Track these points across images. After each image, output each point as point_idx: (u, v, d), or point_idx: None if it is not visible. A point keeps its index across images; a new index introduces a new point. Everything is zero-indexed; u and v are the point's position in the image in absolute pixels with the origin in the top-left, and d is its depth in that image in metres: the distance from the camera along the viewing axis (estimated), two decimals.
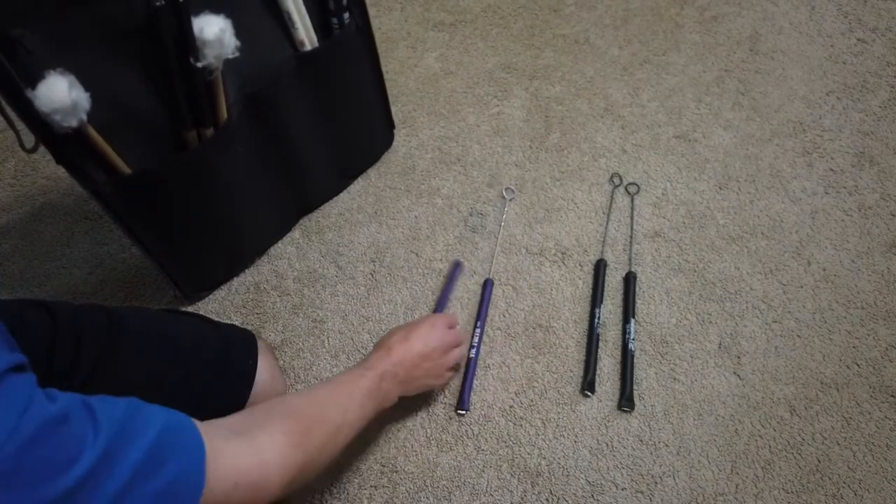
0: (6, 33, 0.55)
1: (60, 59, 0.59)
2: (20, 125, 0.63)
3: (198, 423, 0.44)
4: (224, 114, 0.73)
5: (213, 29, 0.64)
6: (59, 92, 0.57)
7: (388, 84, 0.98)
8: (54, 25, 0.58)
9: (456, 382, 0.83)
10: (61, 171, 0.68)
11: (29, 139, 0.64)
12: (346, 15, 0.81)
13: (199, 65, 0.65)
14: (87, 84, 0.61)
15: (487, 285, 0.89)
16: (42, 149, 0.65)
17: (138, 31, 0.63)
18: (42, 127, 0.61)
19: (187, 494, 0.40)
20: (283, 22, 0.76)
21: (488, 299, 0.88)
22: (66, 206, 1.06)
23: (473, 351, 0.83)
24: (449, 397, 0.82)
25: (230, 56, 0.68)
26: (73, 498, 0.34)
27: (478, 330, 0.85)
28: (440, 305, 0.88)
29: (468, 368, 0.82)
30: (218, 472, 0.42)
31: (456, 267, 0.90)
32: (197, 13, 0.64)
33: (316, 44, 0.81)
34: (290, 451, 0.50)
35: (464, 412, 0.80)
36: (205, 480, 0.41)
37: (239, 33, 0.68)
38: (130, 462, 0.37)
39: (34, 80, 0.57)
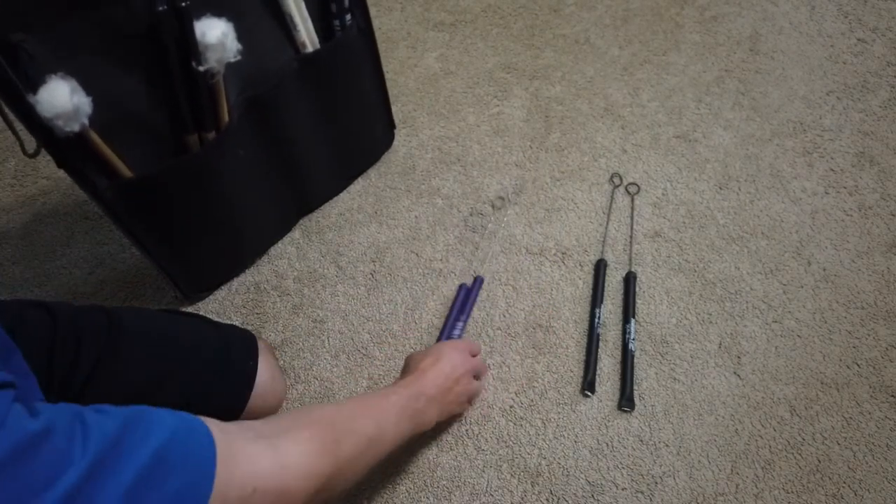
0: (7, 38, 0.55)
1: (62, 64, 0.59)
2: (20, 128, 0.63)
3: (220, 424, 0.42)
4: (225, 117, 0.73)
5: (215, 33, 0.64)
6: (61, 97, 0.57)
7: (388, 84, 0.98)
8: (55, 30, 0.58)
9: None
10: (62, 172, 0.69)
11: (30, 143, 0.64)
12: (348, 17, 0.81)
13: (201, 69, 0.65)
14: (88, 88, 0.61)
15: (476, 282, 0.89)
16: (42, 149, 0.65)
17: (140, 35, 0.63)
18: (44, 132, 0.61)
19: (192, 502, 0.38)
20: (284, 24, 0.76)
21: (475, 296, 0.88)
22: (67, 207, 1.06)
23: None
24: None
25: (232, 60, 0.68)
26: None
27: (459, 324, 0.85)
28: (447, 329, 0.86)
29: None
30: (234, 476, 0.40)
31: (461, 289, 0.89)
32: (199, 17, 0.64)
33: (318, 46, 0.81)
34: (317, 460, 0.47)
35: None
36: (212, 489, 0.39)
37: (240, 36, 0.68)
38: (125, 476, 0.35)
39: (35, 84, 0.57)
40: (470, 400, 0.75)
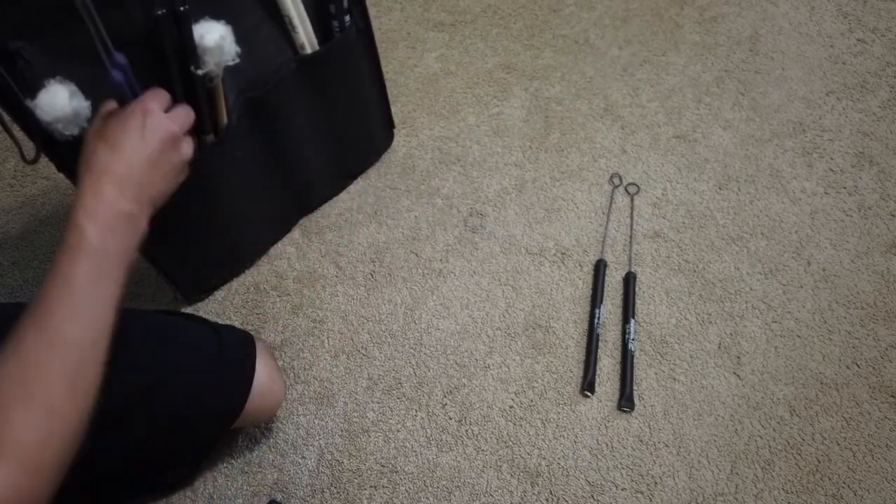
0: (5, 45, 0.55)
1: (60, 70, 0.59)
2: (21, 136, 0.63)
3: None
4: (224, 120, 0.73)
5: (213, 36, 0.64)
6: (61, 100, 0.58)
7: (387, 84, 0.98)
8: (54, 37, 0.58)
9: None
10: (62, 173, 0.69)
11: (29, 150, 0.64)
12: (347, 17, 0.81)
13: (200, 72, 0.65)
14: (87, 94, 0.61)
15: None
16: (41, 154, 0.65)
17: (138, 41, 0.63)
18: (43, 136, 0.61)
19: None
20: (283, 26, 0.76)
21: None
22: (66, 207, 1.06)
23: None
24: (448, 396, 0.82)
25: (231, 63, 0.67)
26: None
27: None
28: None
29: None
30: None
31: None
32: (197, 20, 0.64)
33: (317, 47, 0.81)
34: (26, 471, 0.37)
35: None
36: None
37: (239, 38, 0.68)
38: None
39: (34, 90, 0.57)
40: (183, 165, 0.56)
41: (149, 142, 0.51)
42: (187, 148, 0.57)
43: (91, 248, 0.44)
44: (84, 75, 0.61)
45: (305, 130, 0.88)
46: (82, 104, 0.60)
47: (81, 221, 0.45)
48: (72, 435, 0.39)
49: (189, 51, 0.64)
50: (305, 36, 0.78)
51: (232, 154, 0.78)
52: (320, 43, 0.81)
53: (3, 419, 0.37)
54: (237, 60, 0.68)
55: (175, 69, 0.65)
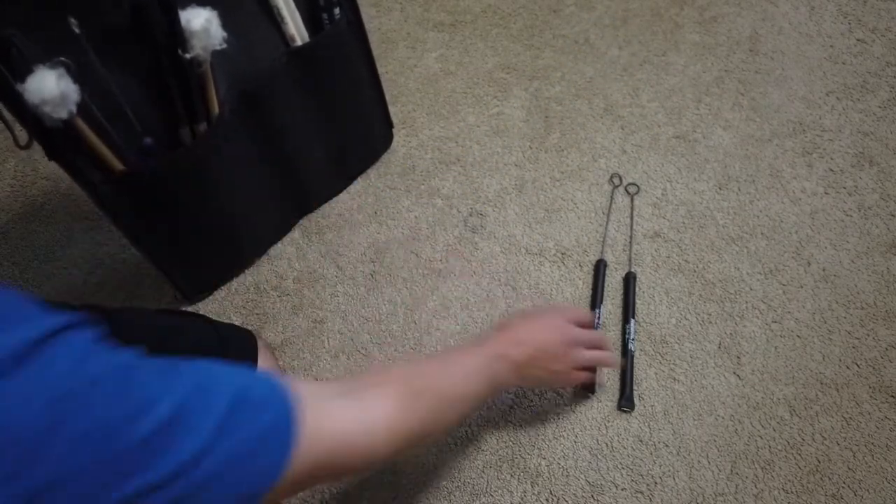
0: None
1: (51, 58, 0.60)
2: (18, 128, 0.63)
3: (297, 382, 0.41)
4: (215, 108, 0.74)
5: (199, 20, 0.65)
6: (48, 83, 0.58)
7: (387, 84, 0.98)
8: (45, 24, 0.59)
9: None
10: (61, 172, 0.69)
11: (23, 137, 0.64)
12: (337, 10, 0.81)
13: (188, 56, 0.66)
14: (78, 82, 0.61)
15: None
16: (35, 144, 0.65)
17: (128, 29, 0.64)
18: (33, 120, 0.61)
19: (276, 449, 0.37)
20: (273, 18, 0.77)
21: None
22: (66, 207, 1.06)
23: None
24: None
25: (218, 47, 0.68)
26: (147, 450, 0.31)
27: None
28: None
29: None
30: (321, 432, 0.39)
31: None
32: (183, 6, 0.65)
33: (307, 39, 0.80)
34: (401, 416, 0.46)
35: None
36: (294, 436, 0.37)
37: (229, 29, 0.68)
38: (216, 411, 0.34)
39: (24, 74, 0.58)
40: (578, 370, 0.71)
41: (549, 334, 0.68)
42: (578, 375, 0.71)
43: (471, 358, 0.60)
44: (77, 62, 0.62)
45: (301, 128, 0.88)
46: (70, 87, 0.61)
47: (476, 346, 0.62)
48: (419, 438, 0.50)
49: (177, 35, 0.65)
50: (295, 28, 0.78)
51: (229, 152, 0.78)
52: (311, 36, 0.81)
53: (417, 388, 0.51)
54: (224, 45, 0.69)
55: (163, 54, 0.67)
